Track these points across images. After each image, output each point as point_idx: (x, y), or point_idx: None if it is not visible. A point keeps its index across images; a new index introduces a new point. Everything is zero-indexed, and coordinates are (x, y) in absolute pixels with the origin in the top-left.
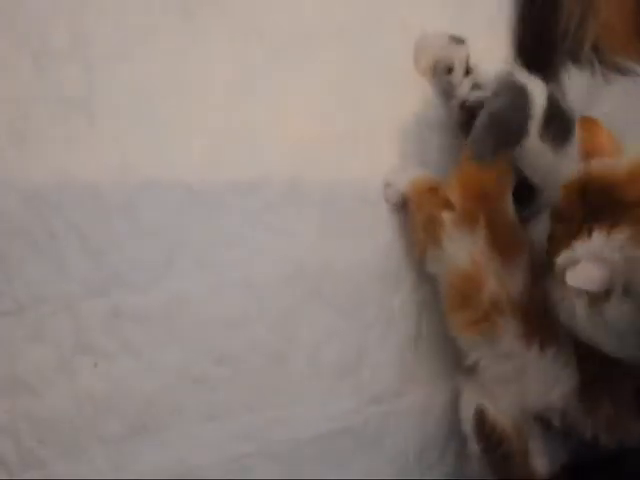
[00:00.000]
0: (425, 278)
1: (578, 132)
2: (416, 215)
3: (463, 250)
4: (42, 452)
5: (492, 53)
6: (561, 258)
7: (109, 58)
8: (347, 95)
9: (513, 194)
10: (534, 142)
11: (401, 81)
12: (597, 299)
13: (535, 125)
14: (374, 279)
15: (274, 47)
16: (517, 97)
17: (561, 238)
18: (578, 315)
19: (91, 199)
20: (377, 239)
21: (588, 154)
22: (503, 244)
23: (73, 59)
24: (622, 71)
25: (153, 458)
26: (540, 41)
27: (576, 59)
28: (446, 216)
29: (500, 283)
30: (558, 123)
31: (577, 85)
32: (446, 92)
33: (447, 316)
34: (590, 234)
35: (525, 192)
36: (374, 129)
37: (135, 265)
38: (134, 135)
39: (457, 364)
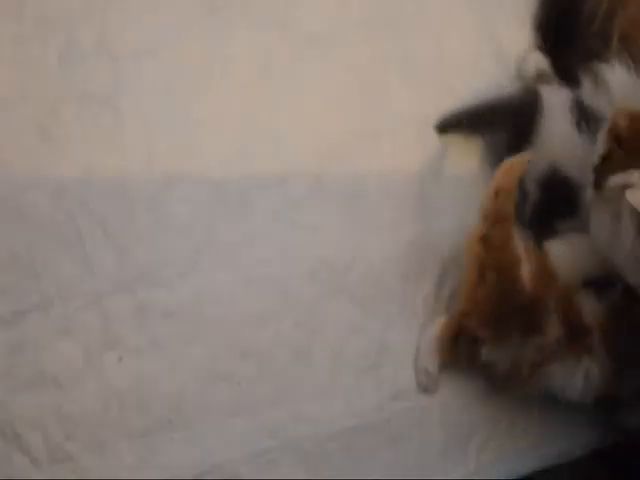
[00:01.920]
0: (449, 274)
1: None
2: None
3: None
4: (70, 446)
5: (517, 43)
6: (618, 177)
7: (135, 55)
8: (371, 90)
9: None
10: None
11: (424, 77)
12: None
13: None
14: (397, 275)
15: (299, 43)
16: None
17: (620, 160)
18: (621, 235)
19: (118, 195)
20: (401, 235)
21: None
22: None
23: (99, 56)
24: None
25: (178, 453)
26: (563, 30)
27: (603, 53)
28: None
29: None
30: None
31: (620, 80)
32: None
33: None
34: None
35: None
36: (398, 124)
37: (161, 261)
38: (160, 132)
39: None
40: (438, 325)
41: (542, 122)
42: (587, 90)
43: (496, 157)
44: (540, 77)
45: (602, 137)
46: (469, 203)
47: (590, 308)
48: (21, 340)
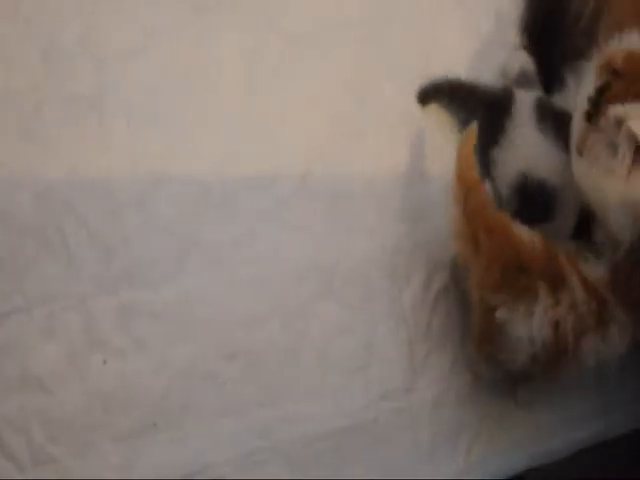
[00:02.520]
0: (436, 273)
1: None
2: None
3: None
4: (53, 449)
5: (503, 43)
6: (618, 108)
7: (120, 55)
8: (358, 91)
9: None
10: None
11: (410, 77)
12: None
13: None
14: (384, 275)
15: (286, 44)
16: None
17: (618, 93)
18: (613, 172)
19: (103, 196)
20: (387, 235)
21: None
22: None
23: (84, 56)
24: None
25: (164, 455)
26: (549, 29)
27: (589, 52)
28: None
29: None
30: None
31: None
32: None
33: None
34: None
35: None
36: (384, 125)
37: (147, 262)
38: (146, 132)
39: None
40: None
41: (511, 124)
42: (571, 90)
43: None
44: (521, 77)
45: (593, 73)
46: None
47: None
48: (4, 342)
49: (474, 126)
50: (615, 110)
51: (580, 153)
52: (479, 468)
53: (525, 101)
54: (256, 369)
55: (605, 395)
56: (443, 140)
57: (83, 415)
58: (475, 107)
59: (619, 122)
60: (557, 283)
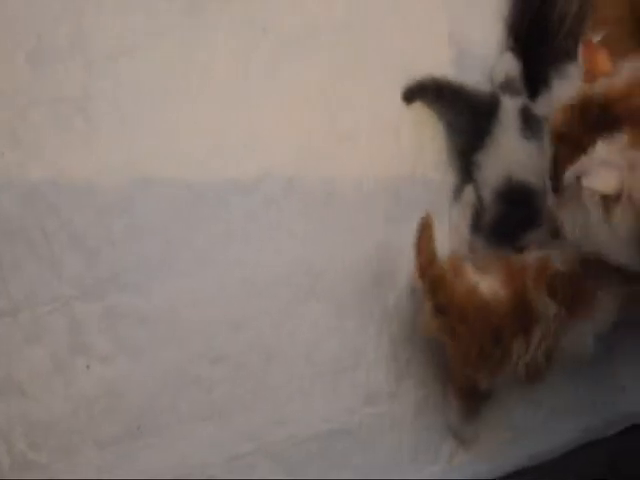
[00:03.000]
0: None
1: (580, 55)
2: None
3: None
4: (36, 455)
5: (488, 46)
6: (570, 171)
7: (109, 57)
8: (347, 92)
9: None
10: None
11: (399, 78)
12: (610, 202)
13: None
14: (370, 276)
15: (277, 44)
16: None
17: (566, 156)
18: (592, 222)
19: (88, 199)
20: (374, 237)
21: (590, 75)
22: None
23: (72, 58)
24: None
25: (150, 459)
26: (535, 31)
27: (574, 53)
28: None
29: None
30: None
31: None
32: None
33: None
34: (594, 145)
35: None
36: (374, 127)
37: (133, 265)
38: (134, 134)
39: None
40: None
41: (496, 129)
42: (557, 91)
43: (458, 153)
44: (507, 82)
45: (546, 141)
46: (439, 204)
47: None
48: None
49: (427, 217)
50: (569, 175)
51: (559, 212)
52: (461, 471)
53: (511, 107)
54: (242, 372)
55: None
56: (428, 141)
57: (67, 420)
58: (461, 109)
59: (577, 185)
60: (528, 323)
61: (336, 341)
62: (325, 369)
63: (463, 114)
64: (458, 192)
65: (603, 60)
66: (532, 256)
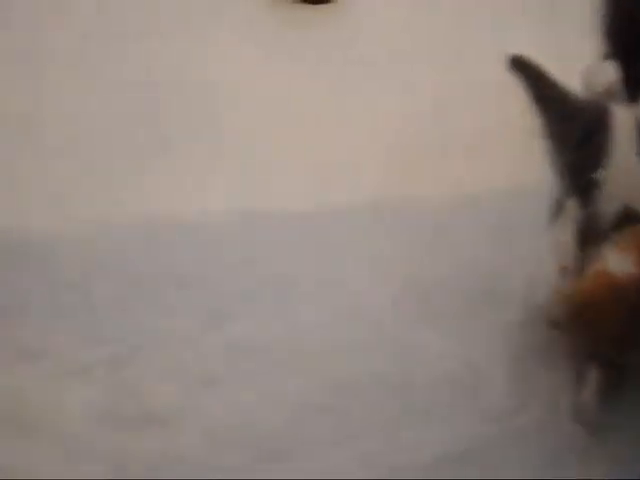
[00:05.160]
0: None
1: None
2: None
3: None
4: None
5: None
6: None
7: None
8: (440, 111)
9: None
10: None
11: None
12: None
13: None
14: (481, 294)
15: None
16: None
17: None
18: None
19: (196, 238)
20: (484, 253)
21: None
22: None
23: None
24: None
25: None
26: (630, 33)
27: None
28: None
29: None
30: None
31: None
32: None
33: None
34: None
35: None
36: (465, 146)
37: (249, 297)
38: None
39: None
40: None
41: (613, 145)
42: None
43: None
44: (609, 91)
45: None
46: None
47: None
48: (124, 382)
49: None
50: None
51: None
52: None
53: (624, 119)
54: (363, 398)
55: None
56: (532, 155)
57: (197, 450)
58: (565, 117)
59: None
60: None
61: (454, 361)
62: (446, 391)
63: (568, 124)
64: (560, 207)
65: None
66: None
